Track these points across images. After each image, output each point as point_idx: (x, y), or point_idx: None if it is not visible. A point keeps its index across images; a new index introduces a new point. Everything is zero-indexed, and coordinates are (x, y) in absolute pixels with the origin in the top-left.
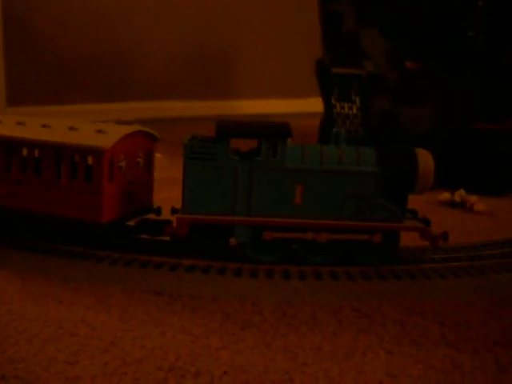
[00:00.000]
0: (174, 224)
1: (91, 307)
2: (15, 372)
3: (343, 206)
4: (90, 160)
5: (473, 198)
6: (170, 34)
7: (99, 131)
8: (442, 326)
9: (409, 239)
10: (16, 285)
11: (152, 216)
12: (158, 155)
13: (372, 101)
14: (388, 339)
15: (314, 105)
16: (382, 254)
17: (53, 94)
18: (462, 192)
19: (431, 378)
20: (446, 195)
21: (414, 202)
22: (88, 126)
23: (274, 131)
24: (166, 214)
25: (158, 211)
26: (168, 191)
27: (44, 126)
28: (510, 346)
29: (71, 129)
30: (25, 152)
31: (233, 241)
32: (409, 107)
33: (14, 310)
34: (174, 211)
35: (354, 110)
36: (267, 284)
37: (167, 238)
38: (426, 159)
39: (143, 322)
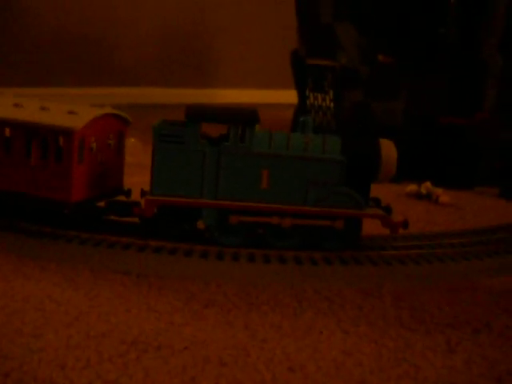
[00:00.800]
0: (143, 206)
1: (58, 284)
2: None
3: (307, 192)
4: (60, 141)
5: (438, 191)
6: (148, 21)
7: (70, 112)
8: (399, 308)
9: (373, 227)
10: None
11: (121, 198)
12: (131, 140)
13: (344, 93)
14: (345, 320)
15: (289, 96)
16: (344, 240)
17: (27, 76)
18: (428, 184)
19: (383, 356)
20: (412, 187)
21: (382, 193)
22: (59, 106)
23: (242, 117)
24: (136, 197)
25: (128, 193)
26: (140, 176)
27: (15, 105)
28: (461, 328)
29: (42, 108)
30: None
31: (200, 224)
32: (380, 100)
33: None
34: (143, 194)
35: (327, 102)
36: (232, 266)
37: (136, 220)
38: (388, 149)
39: (109, 299)
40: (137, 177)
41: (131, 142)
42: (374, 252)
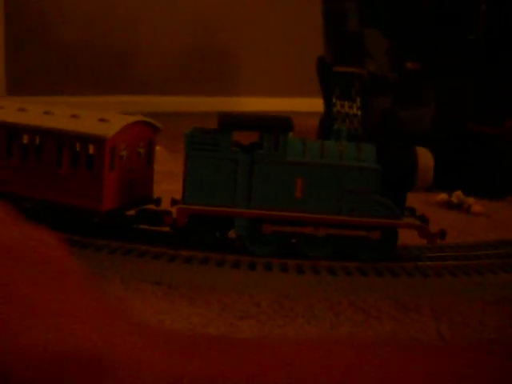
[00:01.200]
0: (174, 215)
1: None
2: None
3: (342, 201)
4: (91, 148)
5: (470, 200)
6: (173, 29)
7: (101, 120)
8: (438, 322)
9: (407, 237)
10: None
11: (152, 207)
12: (157, 148)
13: (372, 100)
14: (384, 334)
15: (315, 104)
16: (380, 250)
17: (52, 85)
18: (459, 193)
19: None
20: (443, 196)
21: (412, 202)
22: (90, 114)
23: (276, 124)
24: (165, 206)
25: (158, 202)
26: (168, 184)
27: (46, 112)
28: (505, 343)
29: (73, 116)
30: (26, 138)
31: (232, 233)
32: (408, 108)
33: None
34: (174, 202)
35: (354, 110)
36: (265, 277)
37: (166, 229)
38: (425, 157)
39: (141, 310)
40: (164, 184)
41: (157, 150)
42: (410, 263)
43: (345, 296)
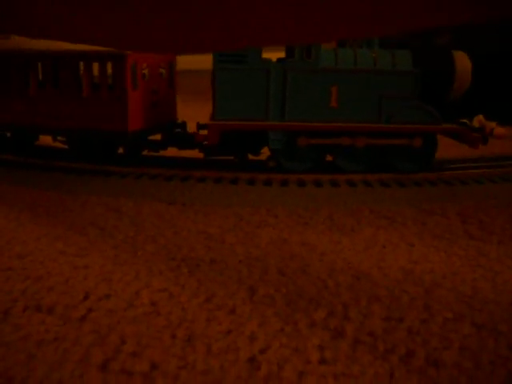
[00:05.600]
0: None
1: (101, 214)
2: (23, 265)
3: (380, 108)
4: (111, 67)
5: (492, 124)
6: None
7: None
8: (465, 223)
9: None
10: (27, 197)
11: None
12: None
13: None
14: (409, 234)
15: None
16: (420, 160)
17: None
18: (481, 117)
19: (455, 263)
20: (464, 121)
21: None
22: None
23: None
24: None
25: (183, 126)
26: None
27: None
28: None
29: None
30: (42, 66)
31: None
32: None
33: (21, 218)
34: (201, 126)
35: None
36: (281, 192)
37: (177, 153)
38: (462, 59)
39: (153, 224)
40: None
41: None
42: (433, 173)
43: (366, 205)
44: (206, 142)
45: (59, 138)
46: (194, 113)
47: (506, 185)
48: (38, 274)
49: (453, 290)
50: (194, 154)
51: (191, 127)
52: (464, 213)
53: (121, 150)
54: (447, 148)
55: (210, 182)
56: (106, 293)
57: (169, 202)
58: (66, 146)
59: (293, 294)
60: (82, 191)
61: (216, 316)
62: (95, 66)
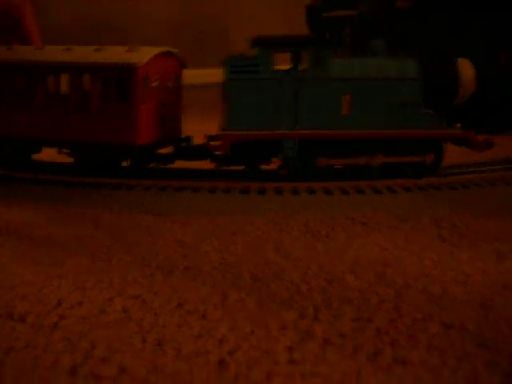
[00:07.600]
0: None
1: (83, 225)
2: None
3: (390, 114)
4: (122, 78)
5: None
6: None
7: (130, 50)
8: (439, 227)
9: None
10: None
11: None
12: None
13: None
14: (383, 239)
15: None
16: (427, 167)
17: None
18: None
19: (427, 266)
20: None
21: None
22: (114, 47)
23: (317, 40)
24: None
25: (189, 140)
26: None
27: (67, 49)
28: (509, 240)
29: (97, 50)
30: (49, 76)
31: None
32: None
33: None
34: (210, 138)
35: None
36: (258, 200)
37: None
38: (466, 66)
39: (132, 235)
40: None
41: None
42: (409, 180)
43: (341, 212)
44: (217, 153)
45: (64, 150)
46: (193, 127)
47: (482, 190)
48: (12, 283)
49: (423, 292)
50: (179, 164)
51: (197, 141)
52: (438, 218)
53: (125, 163)
54: None
55: (188, 192)
56: (79, 300)
57: (145, 212)
58: (71, 159)
59: (265, 298)
60: (61, 203)
61: (187, 321)
62: (106, 77)
